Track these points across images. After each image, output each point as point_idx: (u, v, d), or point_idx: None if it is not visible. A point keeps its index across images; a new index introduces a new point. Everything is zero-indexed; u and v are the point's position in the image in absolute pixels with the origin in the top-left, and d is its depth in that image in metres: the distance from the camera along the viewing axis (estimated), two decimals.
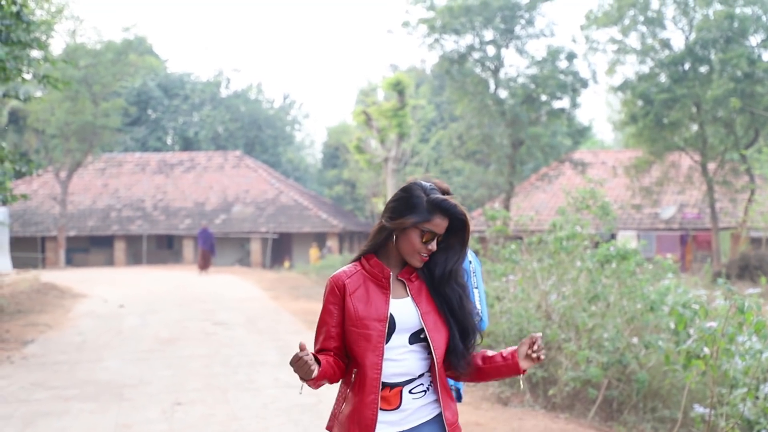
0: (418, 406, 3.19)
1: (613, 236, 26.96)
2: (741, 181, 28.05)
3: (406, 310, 3.18)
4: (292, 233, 41.46)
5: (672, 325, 7.81)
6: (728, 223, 30.80)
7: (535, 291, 9.56)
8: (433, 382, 3.22)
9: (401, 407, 3.17)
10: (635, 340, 8.35)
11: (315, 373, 3.01)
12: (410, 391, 3.18)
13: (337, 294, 3.18)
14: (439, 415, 3.22)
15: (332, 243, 39.75)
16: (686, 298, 8.26)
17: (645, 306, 8.35)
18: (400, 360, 3.16)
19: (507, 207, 28.98)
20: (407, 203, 3.17)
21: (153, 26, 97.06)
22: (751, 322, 5.84)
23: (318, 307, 17.74)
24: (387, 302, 3.16)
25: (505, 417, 7.77)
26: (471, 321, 3.23)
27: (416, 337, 3.18)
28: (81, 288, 22.16)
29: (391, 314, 3.15)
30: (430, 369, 3.21)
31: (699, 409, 6.88)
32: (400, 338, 3.17)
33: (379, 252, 3.24)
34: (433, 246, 3.15)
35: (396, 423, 3.17)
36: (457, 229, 3.21)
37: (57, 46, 49.85)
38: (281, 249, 42.36)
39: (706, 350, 6.23)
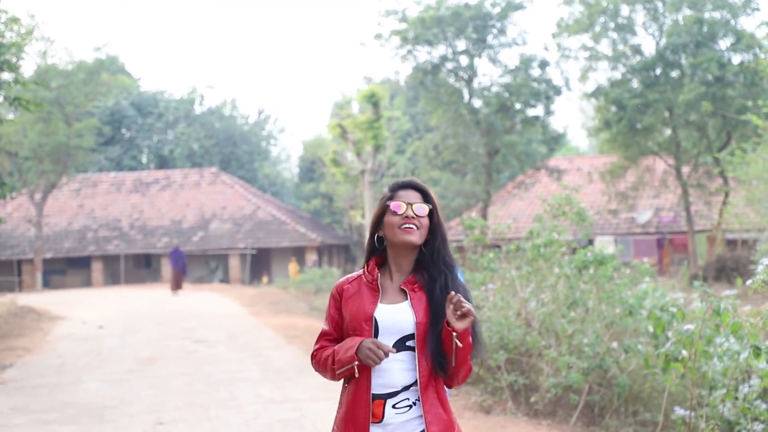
0: (401, 421, 3.14)
1: (590, 242, 27.09)
2: (715, 183, 28.30)
3: (395, 314, 3.16)
4: (270, 248, 41.37)
5: (651, 329, 7.85)
6: (704, 225, 31.05)
7: (515, 299, 9.59)
8: (421, 395, 3.15)
9: (384, 421, 3.13)
10: (615, 344, 8.38)
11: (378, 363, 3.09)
12: (393, 406, 3.14)
13: (337, 298, 3.29)
14: None
15: (311, 257, 39.68)
16: (664, 301, 8.30)
17: (623, 310, 8.39)
18: (382, 370, 3.13)
19: (484, 216, 29.07)
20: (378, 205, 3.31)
21: (125, 45, 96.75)
22: (728, 324, 5.88)
23: (298, 321, 17.74)
24: (374, 303, 3.18)
25: (487, 426, 7.79)
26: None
27: (402, 345, 3.15)
28: (59, 310, 21.97)
29: (374, 317, 3.16)
30: (419, 382, 3.15)
31: (679, 412, 6.91)
32: (385, 342, 3.13)
33: (384, 263, 3.29)
34: (409, 212, 3.19)
35: None
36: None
37: (28, 67, 49.55)
38: (260, 264, 42.25)
39: (685, 353, 6.27)
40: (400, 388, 3.15)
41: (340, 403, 3.28)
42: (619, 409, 8.17)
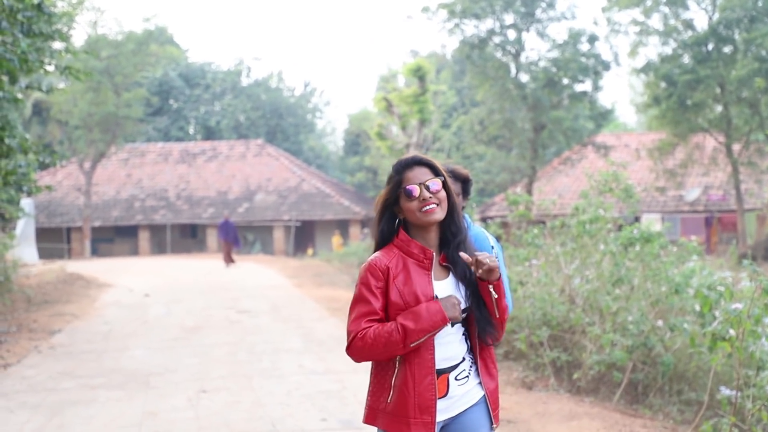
0: (463, 393, 3.20)
1: (636, 219, 26.81)
2: (767, 161, 27.80)
3: (448, 290, 3.19)
4: (314, 221, 41.54)
5: (697, 308, 7.75)
6: (753, 204, 30.54)
7: (559, 275, 9.53)
8: (474, 363, 3.23)
9: (449, 394, 3.17)
10: (660, 323, 8.29)
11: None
12: (456, 378, 3.18)
13: (380, 277, 3.15)
14: (483, 397, 3.23)
15: (356, 230, 39.80)
16: (711, 280, 8.19)
17: (670, 288, 8.29)
18: (444, 344, 3.16)
19: (529, 191, 28.89)
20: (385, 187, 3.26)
21: (173, 16, 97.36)
22: None
23: (341, 294, 17.80)
24: (431, 282, 3.17)
25: (529, 401, 7.76)
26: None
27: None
28: (106, 278, 22.32)
29: (436, 295, 3.16)
30: (471, 350, 3.23)
31: (725, 392, 6.83)
32: None
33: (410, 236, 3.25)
34: (425, 193, 3.14)
35: (444, 410, 3.16)
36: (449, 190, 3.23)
37: (78, 37, 50.16)
38: (304, 237, 42.46)
39: (732, 332, 6.17)
40: (460, 360, 3.20)
41: (379, 388, 3.19)
42: (663, 388, 8.09)
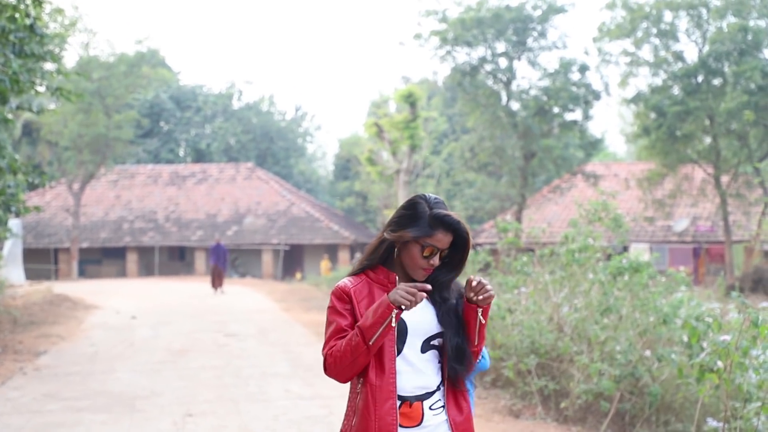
0: (438, 422, 3.14)
1: (625, 249, 26.87)
2: (755, 194, 27.95)
3: (420, 314, 3.13)
4: (303, 245, 41.49)
5: (685, 338, 7.75)
6: (741, 236, 30.65)
7: (547, 303, 9.53)
8: (446, 392, 3.17)
9: (423, 423, 3.11)
10: (648, 353, 8.29)
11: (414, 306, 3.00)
12: (430, 407, 3.12)
13: (346, 299, 3.13)
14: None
15: (344, 254, 39.76)
16: (699, 311, 8.20)
17: (658, 319, 8.30)
18: (417, 371, 3.11)
19: (519, 219, 28.95)
20: (410, 217, 3.14)
21: (165, 39, 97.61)
22: (766, 336, 5.79)
23: None
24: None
25: (516, 429, 7.74)
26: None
27: (427, 345, 3.14)
28: (93, 299, 22.22)
29: (402, 319, 3.10)
30: (443, 381, 3.16)
31: (712, 423, 6.82)
32: (413, 344, 3.12)
33: (385, 265, 3.21)
34: (436, 260, 3.11)
35: None
36: (459, 245, 3.17)
37: (70, 58, 50.25)
38: (293, 261, 42.39)
39: (720, 364, 6.18)
40: (434, 388, 3.15)
41: (349, 411, 3.17)
42: (650, 418, 8.08)
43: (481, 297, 3.07)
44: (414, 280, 3.16)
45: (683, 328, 7.67)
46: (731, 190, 27.66)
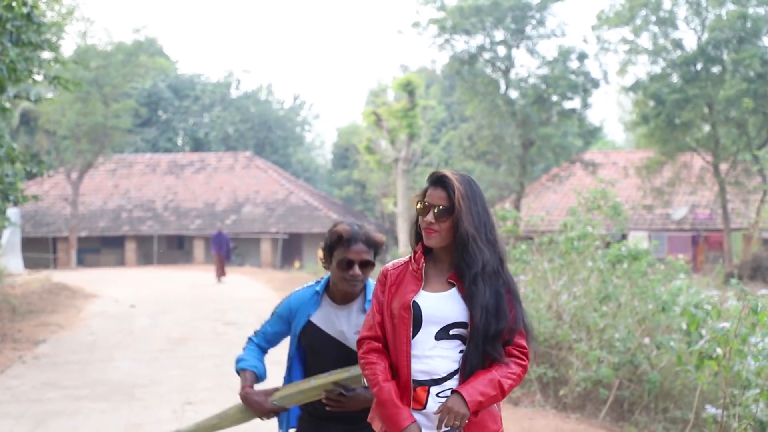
0: None
1: (624, 237, 26.87)
2: (753, 182, 27.94)
3: (439, 302, 3.12)
4: (302, 234, 41.48)
5: (684, 326, 7.77)
6: (740, 224, 30.67)
7: (546, 291, 9.54)
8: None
9: (426, 408, 3.11)
10: (647, 340, 8.31)
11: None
12: (437, 394, 3.11)
13: (382, 281, 3.26)
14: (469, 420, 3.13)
15: None
16: (698, 298, 8.21)
17: (656, 306, 8.31)
18: (424, 357, 3.11)
19: (517, 207, 28.93)
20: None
21: (163, 27, 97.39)
22: (765, 323, 5.80)
23: None
24: (415, 291, 3.13)
25: (515, 417, 7.75)
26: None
27: (445, 333, 3.12)
28: (92, 288, 22.21)
29: (415, 302, 3.12)
30: (461, 371, 3.12)
31: (711, 410, 6.83)
32: (427, 331, 3.12)
33: (431, 251, 3.24)
34: (430, 217, 3.14)
35: (425, 425, 3.11)
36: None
37: (67, 47, 50.12)
38: (291, 250, 42.39)
39: (719, 351, 6.19)
40: (443, 375, 3.13)
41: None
42: (649, 406, 8.10)
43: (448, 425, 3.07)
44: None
45: (682, 315, 7.68)
46: (730, 177, 27.66)
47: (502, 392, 3.11)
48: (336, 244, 3.78)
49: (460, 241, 3.11)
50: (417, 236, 3.25)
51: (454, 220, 3.11)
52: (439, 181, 3.17)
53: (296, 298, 3.93)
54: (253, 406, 3.85)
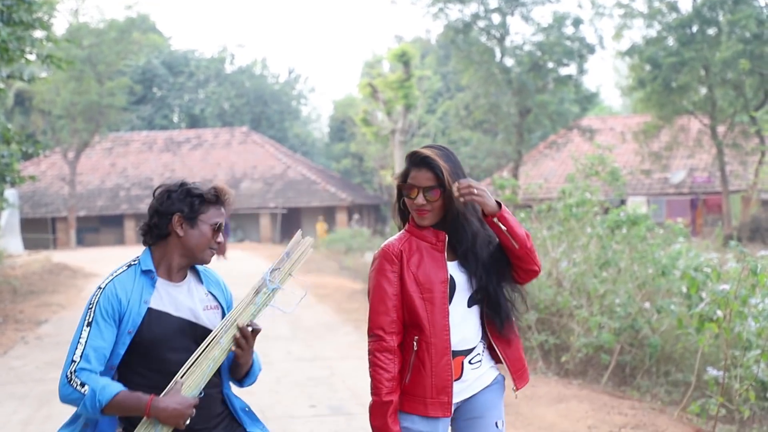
0: (476, 376, 3.23)
1: (622, 202, 26.84)
2: (751, 143, 27.88)
3: (461, 272, 3.20)
4: (300, 208, 41.49)
5: (684, 289, 7.77)
6: (738, 186, 30.64)
7: (546, 258, 9.54)
8: (488, 346, 3.26)
9: (462, 378, 3.19)
10: (647, 304, 8.32)
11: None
12: (470, 362, 3.21)
13: (395, 262, 3.18)
14: (495, 379, 3.28)
15: (342, 216, 39.77)
16: (698, 261, 8.21)
17: (656, 271, 8.32)
18: (459, 325, 3.17)
19: (516, 176, 28.87)
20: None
21: (155, 3, 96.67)
22: (765, 284, 5.81)
23: (329, 281, 17.77)
24: (445, 265, 3.17)
25: None
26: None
27: (473, 299, 3.20)
28: (92, 267, 22.23)
29: (451, 276, 3.17)
30: (483, 335, 3.24)
31: (712, 372, 6.86)
32: (460, 300, 3.18)
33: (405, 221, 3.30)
34: (420, 199, 3.16)
35: (458, 393, 3.19)
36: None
37: (60, 25, 49.84)
38: (290, 224, 42.40)
39: (719, 313, 6.20)
40: (475, 344, 3.23)
41: (401, 368, 3.16)
42: (650, 370, 8.13)
43: (463, 199, 3.08)
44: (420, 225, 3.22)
45: (682, 279, 7.69)
46: (727, 140, 27.59)
47: (527, 239, 3.18)
48: (200, 206, 3.17)
49: (450, 217, 3.17)
50: (401, 213, 3.29)
51: (445, 199, 3.15)
52: (423, 162, 3.17)
53: (120, 287, 3.15)
54: (174, 412, 2.96)
